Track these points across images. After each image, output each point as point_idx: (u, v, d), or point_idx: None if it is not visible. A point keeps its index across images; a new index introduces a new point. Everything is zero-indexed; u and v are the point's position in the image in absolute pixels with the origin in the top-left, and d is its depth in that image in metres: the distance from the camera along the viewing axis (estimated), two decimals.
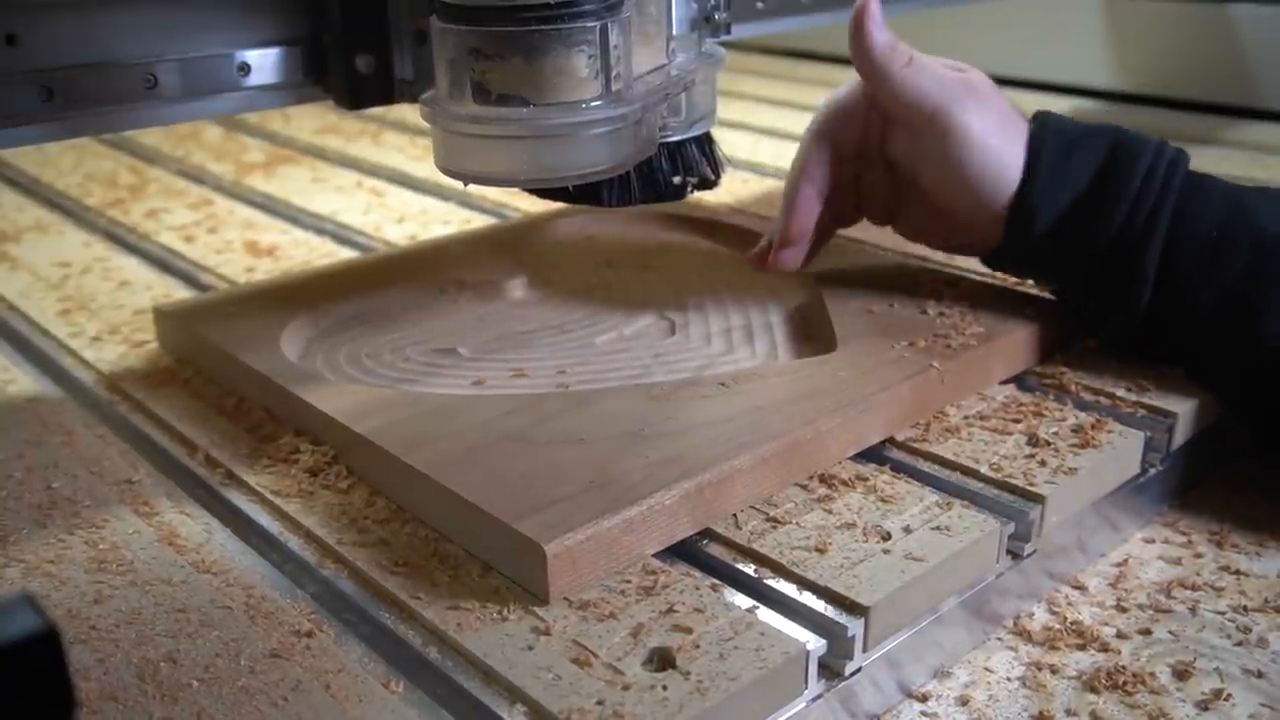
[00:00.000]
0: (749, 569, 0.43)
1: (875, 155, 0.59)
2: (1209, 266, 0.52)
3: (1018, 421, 0.52)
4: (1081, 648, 0.45)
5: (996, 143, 0.54)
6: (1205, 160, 0.56)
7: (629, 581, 0.41)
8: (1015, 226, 0.55)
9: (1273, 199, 0.54)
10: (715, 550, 0.44)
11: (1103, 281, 0.55)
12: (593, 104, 0.46)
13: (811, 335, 0.60)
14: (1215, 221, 0.53)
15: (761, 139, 1.10)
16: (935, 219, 0.59)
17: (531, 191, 0.55)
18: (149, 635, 0.40)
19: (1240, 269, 0.52)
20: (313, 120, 1.25)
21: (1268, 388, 0.52)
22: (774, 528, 0.45)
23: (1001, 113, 0.55)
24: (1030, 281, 0.63)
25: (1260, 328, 0.51)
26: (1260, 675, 0.43)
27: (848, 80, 0.59)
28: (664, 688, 0.36)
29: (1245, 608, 0.47)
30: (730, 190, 0.92)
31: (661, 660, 0.38)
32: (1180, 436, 0.54)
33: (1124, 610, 0.47)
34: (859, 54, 0.56)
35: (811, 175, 0.58)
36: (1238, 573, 0.49)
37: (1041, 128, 0.55)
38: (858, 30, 0.55)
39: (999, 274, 0.63)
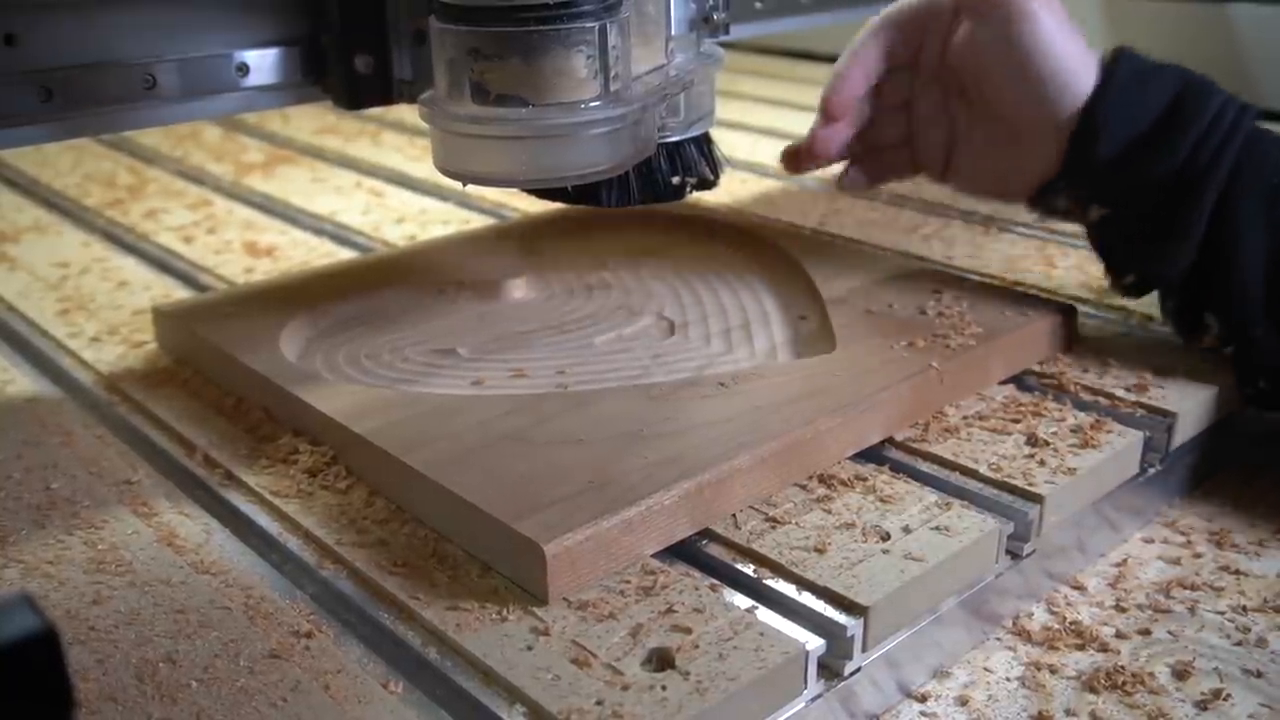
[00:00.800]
0: (748, 569, 0.43)
1: (931, 75, 0.59)
2: (1269, 210, 0.52)
3: (1017, 421, 0.52)
4: (1081, 648, 0.45)
5: (1067, 41, 0.55)
6: None
7: (628, 582, 0.41)
8: (1078, 146, 0.55)
9: None
10: (715, 550, 0.44)
11: (1156, 213, 0.55)
12: (592, 104, 0.46)
13: (811, 335, 0.60)
14: (1278, 167, 0.53)
15: (760, 139, 1.10)
16: (992, 148, 0.58)
17: (531, 192, 0.55)
18: (148, 636, 0.40)
19: None
20: (312, 120, 1.25)
21: None
22: (773, 528, 0.45)
23: (1070, 21, 0.56)
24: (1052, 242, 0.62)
25: None
26: (1259, 675, 0.43)
27: None
28: (663, 688, 0.36)
29: (1244, 608, 0.47)
30: (730, 190, 0.92)
31: (661, 660, 0.38)
32: (1180, 436, 0.54)
33: (1123, 610, 0.47)
34: None
35: (862, 56, 0.58)
36: (1237, 573, 0.49)
37: (1117, 54, 0.56)
38: None
39: (1045, 214, 0.60)
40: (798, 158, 0.61)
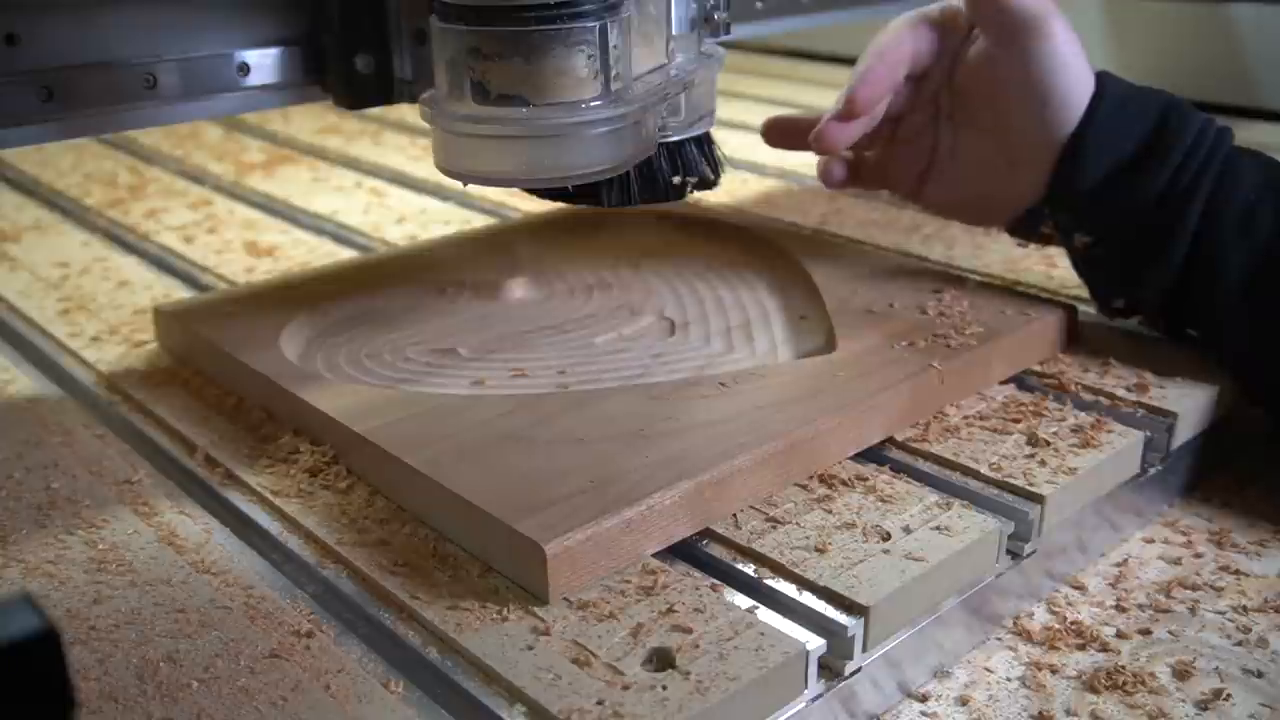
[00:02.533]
0: (749, 569, 0.43)
1: (932, 92, 0.59)
2: (1242, 230, 0.53)
3: (1017, 421, 0.52)
4: (1081, 648, 0.45)
5: (1078, 60, 0.55)
6: None
7: (629, 581, 0.41)
8: (1063, 173, 0.55)
9: None
10: (715, 550, 0.44)
11: (1139, 239, 0.55)
12: (592, 104, 0.46)
13: (812, 335, 0.60)
14: (1253, 185, 0.53)
15: (760, 139, 1.10)
16: (978, 172, 0.59)
17: (531, 191, 0.55)
18: (149, 635, 0.40)
19: (1269, 234, 0.52)
20: (313, 120, 1.25)
21: None
22: (774, 528, 0.45)
23: (1078, 40, 0.56)
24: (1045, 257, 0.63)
25: None
26: (1260, 675, 0.43)
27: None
28: (664, 688, 0.36)
29: (1245, 608, 0.47)
30: (730, 190, 0.92)
31: (661, 660, 0.38)
32: (1180, 436, 0.54)
33: (1124, 610, 0.47)
34: None
35: (890, 57, 0.57)
36: (1238, 573, 0.49)
37: (1100, 79, 0.56)
38: None
39: (1023, 241, 0.63)
40: (790, 135, 0.62)
